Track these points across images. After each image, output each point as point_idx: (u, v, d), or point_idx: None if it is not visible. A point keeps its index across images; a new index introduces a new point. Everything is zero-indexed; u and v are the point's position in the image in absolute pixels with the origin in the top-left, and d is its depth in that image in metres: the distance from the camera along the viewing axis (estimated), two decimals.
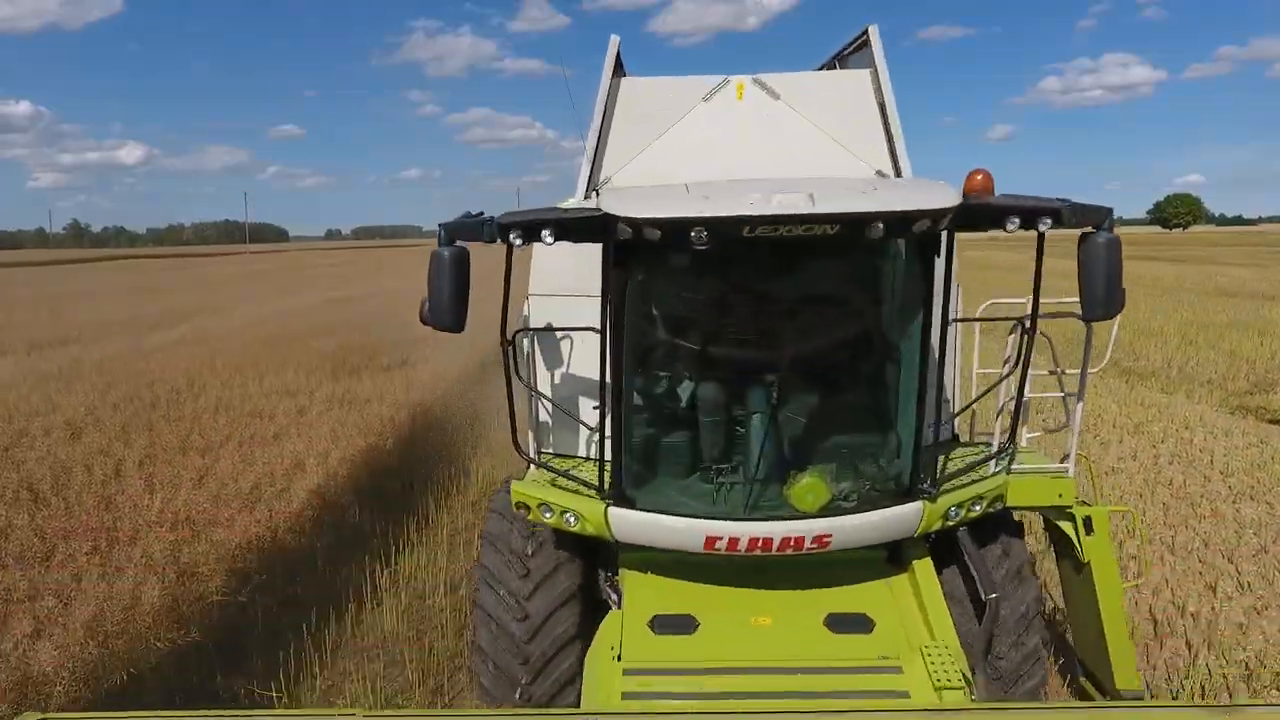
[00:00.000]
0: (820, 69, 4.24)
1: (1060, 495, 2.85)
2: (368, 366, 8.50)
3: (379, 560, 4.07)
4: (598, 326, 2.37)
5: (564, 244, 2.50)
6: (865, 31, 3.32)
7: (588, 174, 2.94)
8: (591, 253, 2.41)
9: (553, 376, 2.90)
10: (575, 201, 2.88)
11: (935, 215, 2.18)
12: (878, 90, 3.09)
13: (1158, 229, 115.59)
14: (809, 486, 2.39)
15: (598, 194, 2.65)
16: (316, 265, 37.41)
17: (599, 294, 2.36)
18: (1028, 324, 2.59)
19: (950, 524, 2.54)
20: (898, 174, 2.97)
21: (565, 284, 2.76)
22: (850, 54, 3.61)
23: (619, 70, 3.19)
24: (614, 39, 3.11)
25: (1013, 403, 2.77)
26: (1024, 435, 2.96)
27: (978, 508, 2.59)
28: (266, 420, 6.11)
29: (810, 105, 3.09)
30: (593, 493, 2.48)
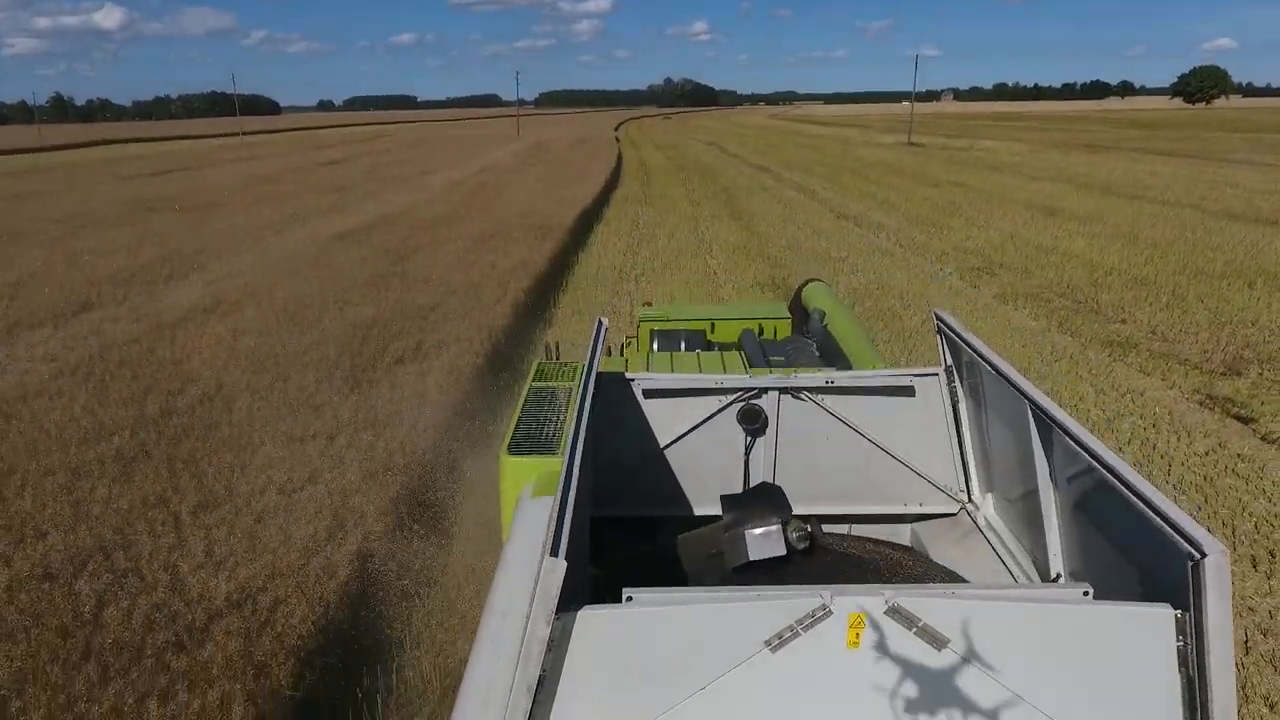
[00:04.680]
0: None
1: None
2: (382, 358, 8.95)
3: (418, 607, 4.81)
4: None
5: None
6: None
7: None
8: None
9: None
10: None
11: None
12: (1192, 638, 1.57)
13: (1180, 102, 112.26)
14: None
15: None
16: (314, 166, 36.80)
17: None
18: None
19: None
20: None
21: None
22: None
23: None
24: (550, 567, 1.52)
25: None
26: None
27: None
28: (299, 447, 6.66)
29: (1017, 657, 1.60)
30: None
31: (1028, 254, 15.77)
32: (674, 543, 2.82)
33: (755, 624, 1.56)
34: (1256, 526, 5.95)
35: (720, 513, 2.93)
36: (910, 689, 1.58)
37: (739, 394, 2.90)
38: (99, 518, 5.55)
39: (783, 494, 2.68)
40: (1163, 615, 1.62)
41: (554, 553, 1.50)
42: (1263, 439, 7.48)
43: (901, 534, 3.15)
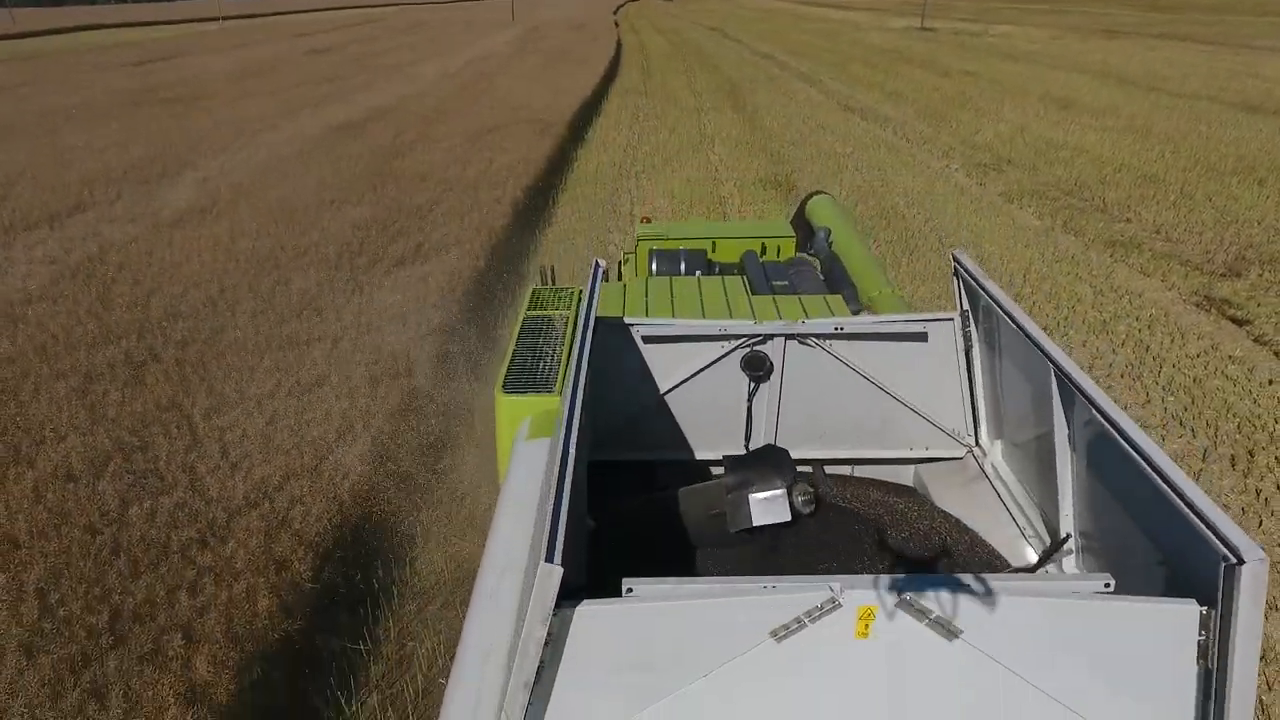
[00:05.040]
0: None
1: None
2: (382, 259, 8.93)
3: (428, 503, 5.05)
4: None
5: None
6: None
7: None
8: None
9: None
10: None
11: None
12: (1215, 634, 1.56)
13: None
14: None
15: None
16: (302, 55, 35.36)
17: None
18: None
19: None
20: None
21: None
22: None
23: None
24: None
25: None
26: None
27: None
28: (304, 350, 6.76)
29: (1033, 650, 1.59)
30: None
31: (1037, 149, 15.42)
32: (674, 494, 2.68)
33: (761, 617, 1.53)
34: (1239, 427, 6.12)
35: (721, 457, 2.91)
36: (919, 677, 1.56)
37: (743, 340, 2.80)
38: (114, 420, 5.71)
39: (788, 456, 2.60)
40: (1187, 612, 1.57)
41: (549, 557, 1.41)
42: (1255, 340, 7.58)
43: (904, 475, 3.11)
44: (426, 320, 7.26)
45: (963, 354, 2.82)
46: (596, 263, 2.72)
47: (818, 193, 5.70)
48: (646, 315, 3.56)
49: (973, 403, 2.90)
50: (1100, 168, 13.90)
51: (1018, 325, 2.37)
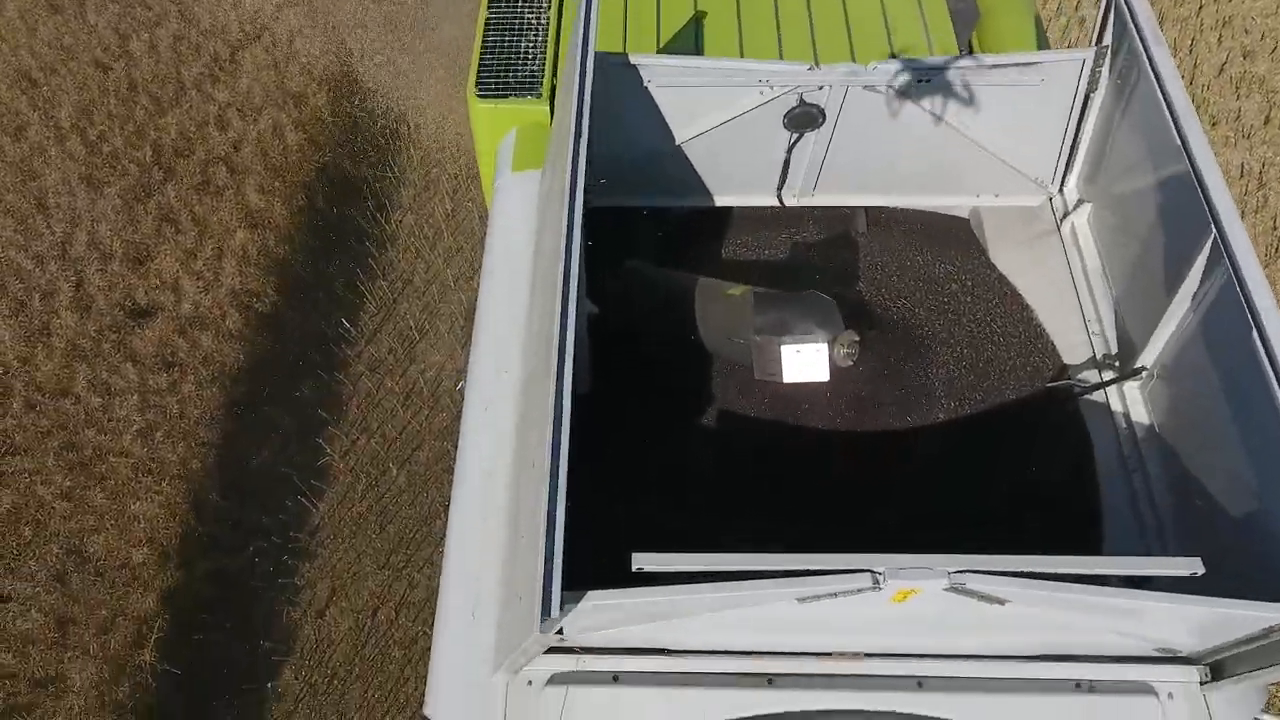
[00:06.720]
0: None
1: None
2: None
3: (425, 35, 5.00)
4: None
5: None
6: None
7: None
8: None
9: None
10: None
11: None
12: None
13: None
14: None
15: None
16: None
17: None
18: None
19: None
20: None
21: None
22: None
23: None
24: None
25: None
26: None
27: None
28: None
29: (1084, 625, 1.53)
30: None
31: None
32: (690, 283, 2.28)
33: (789, 594, 1.37)
34: (1268, 96, 5.53)
35: (745, 202, 2.54)
36: (944, 617, 1.48)
37: (791, 89, 2.16)
38: None
39: (834, 306, 2.16)
40: (1272, 618, 1.40)
41: (543, 624, 1.25)
42: None
43: (962, 213, 2.60)
44: None
45: (1081, 96, 2.25)
46: None
47: None
48: (659, 21, 2.70)
49: (1072, 151, 2.37)
50: None
51: (1183, 143, 1.82)
